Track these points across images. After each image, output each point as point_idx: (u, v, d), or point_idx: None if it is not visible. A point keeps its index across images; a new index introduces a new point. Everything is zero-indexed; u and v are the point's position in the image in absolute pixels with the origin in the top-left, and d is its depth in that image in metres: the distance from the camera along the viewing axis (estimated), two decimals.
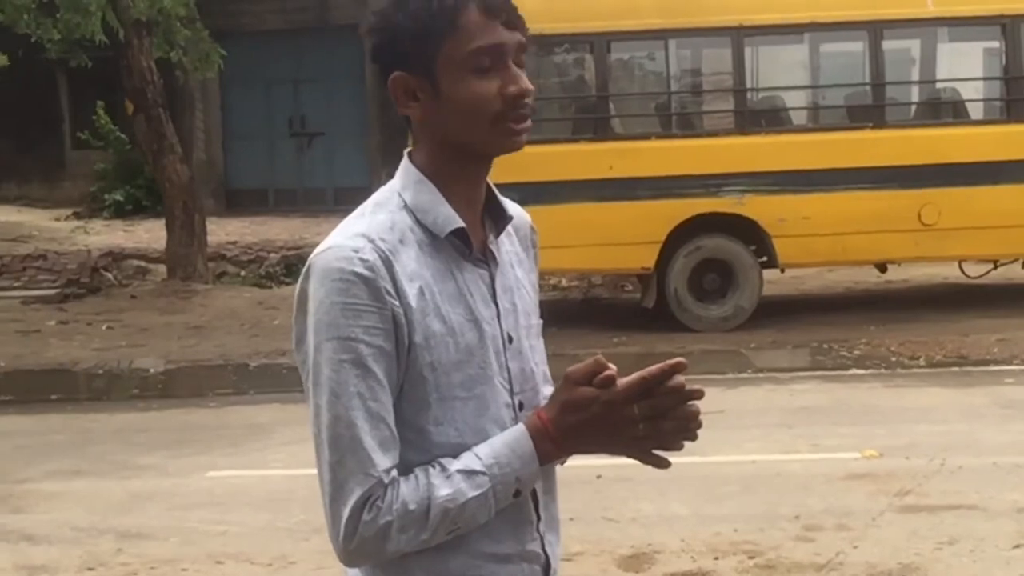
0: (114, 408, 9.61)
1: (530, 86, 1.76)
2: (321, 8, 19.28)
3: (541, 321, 1.96)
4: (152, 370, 10.25)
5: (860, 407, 8.47)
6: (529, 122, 1.78)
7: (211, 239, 14.84)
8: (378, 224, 1.76)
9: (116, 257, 15.53)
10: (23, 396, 9.96)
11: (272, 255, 15.41)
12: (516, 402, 1.81)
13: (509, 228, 1.90)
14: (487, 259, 1.83)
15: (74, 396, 10.04)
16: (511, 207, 1.92)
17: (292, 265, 14.74)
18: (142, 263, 15.35)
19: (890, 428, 7.67)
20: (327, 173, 19.83)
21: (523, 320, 1.87)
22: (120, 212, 19.11)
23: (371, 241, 1.72)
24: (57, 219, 18.91)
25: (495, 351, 1.80)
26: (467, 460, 1.72)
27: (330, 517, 1.70)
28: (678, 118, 11.59)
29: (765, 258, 11.09)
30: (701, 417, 1.75)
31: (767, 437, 7.64)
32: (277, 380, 9.81)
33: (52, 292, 14.46)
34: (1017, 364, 9.63)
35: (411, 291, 1.72)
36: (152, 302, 13.27)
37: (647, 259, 10.87)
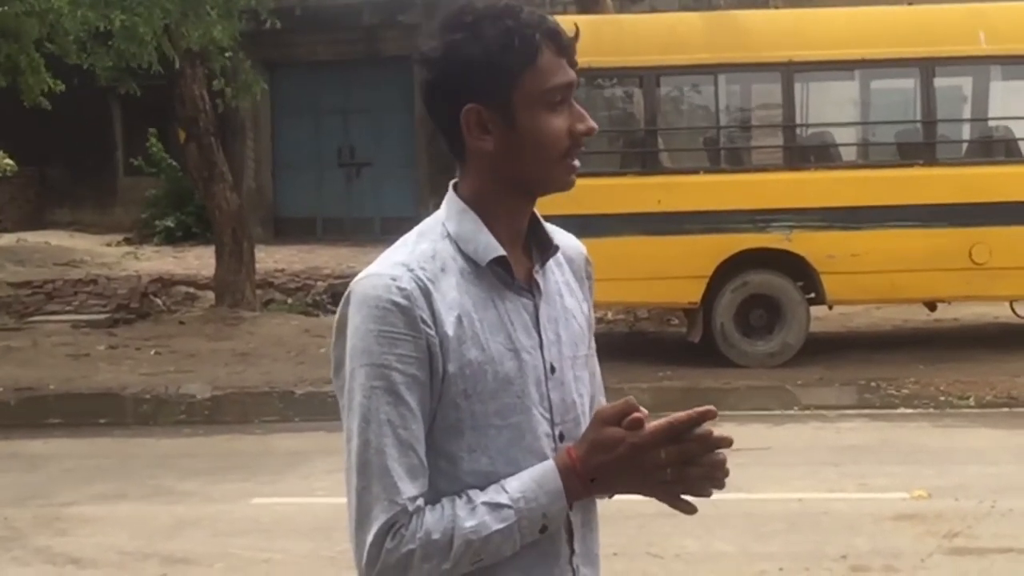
0: (160, 433, 9.70)
1: (596, 125, 1.82)
2: (371, 40, 19.43)
3: (593, 352, 1.95)
4: (199, 396, 10.32)
5: (908, 447, 8.38)
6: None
7: (259, 266, 14.94)
8: (420, 253, 1.77)
9: (165, 283, 15.66)
10: (72, 419, 10.05)
11: (319, 283, 15.48)
12: (556, 433, 1.81)
13: (560, 258, 1.90)
14: (531, 288, 1.83)
15: (122, 420, 10.12)
16: (561, 237, 1.92)
17: (338, 294, 14.72)
18: (191, 289, 15.47)
19: (939, 469, 7.58)
20: (375, 203, 19.94)
21: (568, 351, 1.86)
22: (170, 238, 19.30)
23: (410, 270, 1.74)
24: (108, 244, 19.13)
25: (535, 381, 1.79)
26: (494, 493, 1.72)
27: (354, 542, 1.71)
28: (726, 153, 11.55)
29: (813, 294, 11.00)
30: (728, 465, 1.75)
31: (814, 475, 7.57)
32: (322, 408, 9.83)
33: (102, 317, 14.60)
34: None
35: (449, 320, 1.73)
36: (200, 328, 13.38)
37: (694, 294, 10.82)
